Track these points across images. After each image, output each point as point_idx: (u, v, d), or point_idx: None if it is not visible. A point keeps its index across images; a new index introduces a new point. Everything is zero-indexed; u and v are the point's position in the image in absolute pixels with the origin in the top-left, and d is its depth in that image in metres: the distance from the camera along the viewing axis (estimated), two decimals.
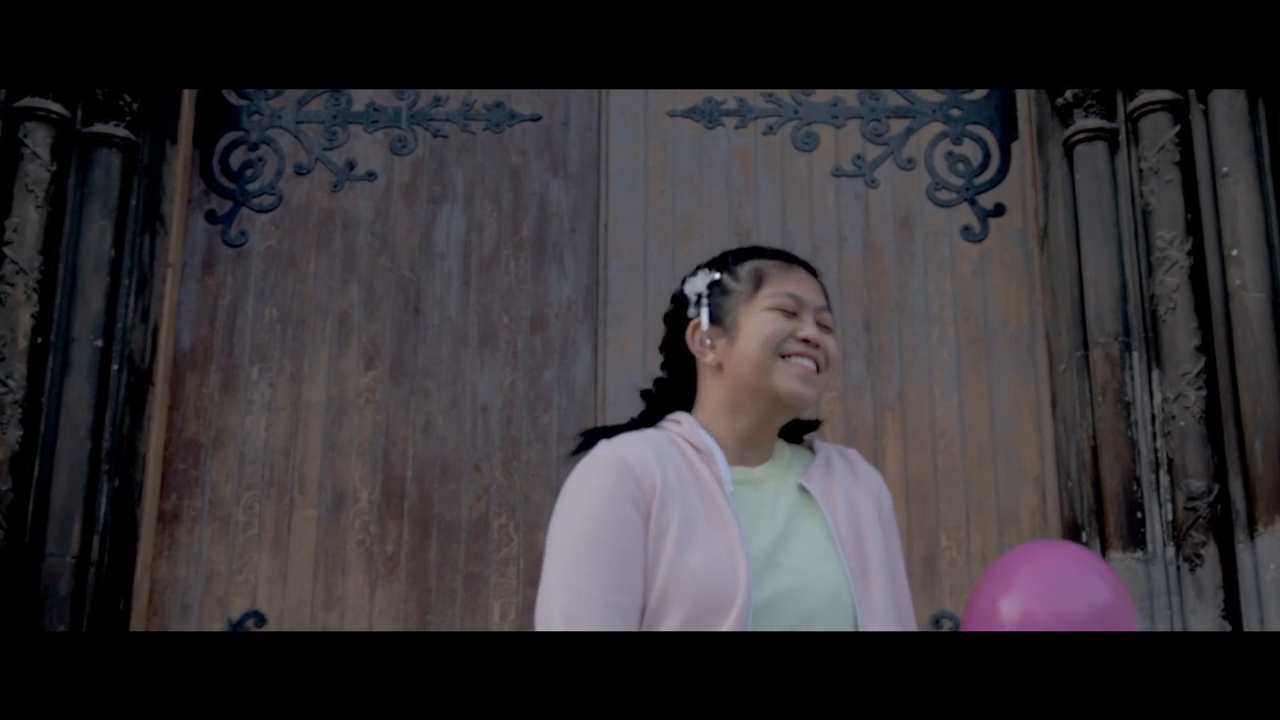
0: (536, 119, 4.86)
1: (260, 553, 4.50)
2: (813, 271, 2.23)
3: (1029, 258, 4.70)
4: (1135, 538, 4.13)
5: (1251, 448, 4.00)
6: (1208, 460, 4.10)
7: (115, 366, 4.44)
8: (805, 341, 2.12)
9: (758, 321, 2.12)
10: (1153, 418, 4.25)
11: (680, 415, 2.17)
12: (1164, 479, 4.18)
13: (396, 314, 4.72)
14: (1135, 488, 4.19)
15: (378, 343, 4.70)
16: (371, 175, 4.83)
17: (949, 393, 4.61)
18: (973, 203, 4.75)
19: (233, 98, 4.90)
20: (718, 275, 2.21)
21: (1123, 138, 4.48)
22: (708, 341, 2.15)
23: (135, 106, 4.52)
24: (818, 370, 2.13)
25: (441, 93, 4.88)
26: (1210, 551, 4.03)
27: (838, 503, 2.09)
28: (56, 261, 4.37)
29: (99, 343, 4.39)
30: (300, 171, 4.84)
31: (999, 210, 4.75)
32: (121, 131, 4.50)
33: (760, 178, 4.80)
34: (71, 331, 4.37)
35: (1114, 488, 4.21)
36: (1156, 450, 4.22)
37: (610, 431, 2.13)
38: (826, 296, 2.22)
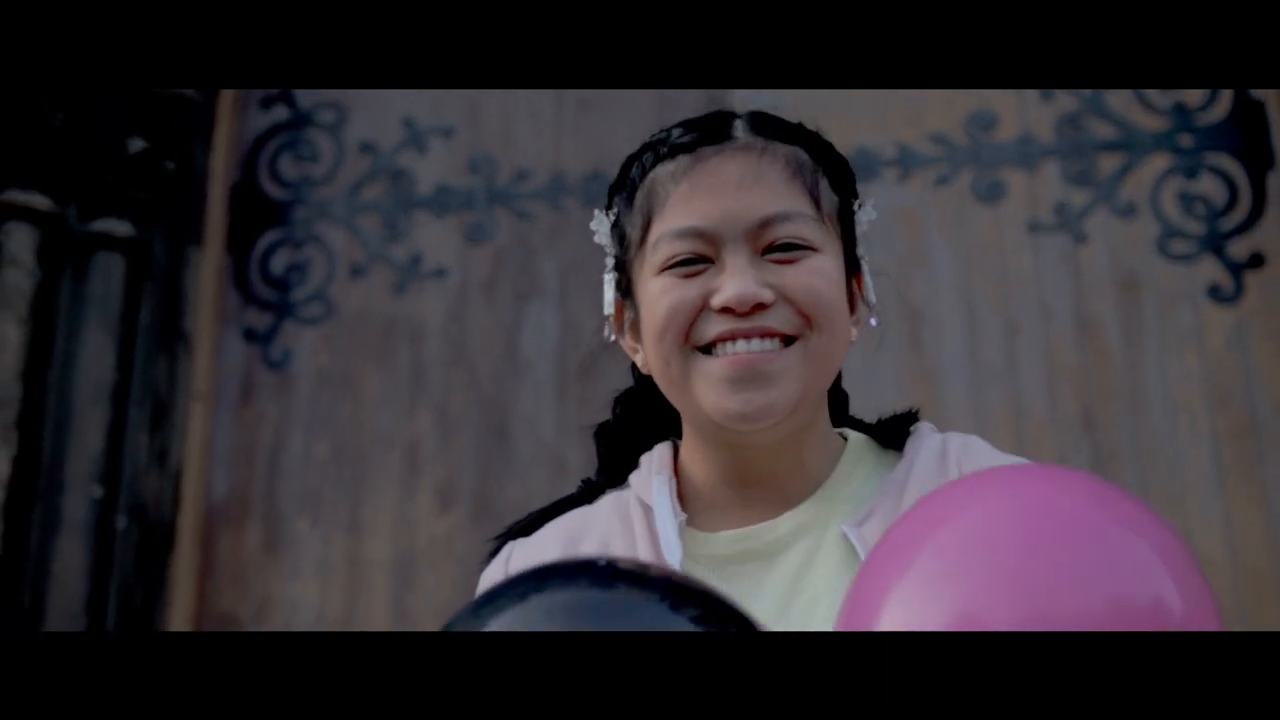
0: None
1: None
2: (758, 127, 1.21)
3: None
4: None
5: None
6: None
7: (121, 522, 3.50)
8: (726, 312, 1.12)
9: (648, 297, 1.21)
10: None
11: (651, 455, 1.33)
12: None
13: (478, 440, 3.72)
14: None
15: (455, 478, 3.69)
16: (442, 271, 3.88)
17: (1208, 504, 3.41)
18: (1220, 253, 3.59)
19: (272, 189, 4.00)
20: (614, 210, 1.27)
21: None
22: (622, 333, 1.32)
23: (143, 199, 3.64)
24: (785, 342, 1.12)
25: (525, 166, 3.92)
26: None
27: None
28: (43, 391, 3.46)
29: (98, 491, 3.46)
30: (356, 272, 3.91)
31: (1257, 260, 3.58)
32: (126, 229, 3.62)
33: (933, 240, 3.72)
34: (62, 477, 3.44)
35: None
36: None
37: (537, 519, 1.35)
38: (809, 166, 1.20)
